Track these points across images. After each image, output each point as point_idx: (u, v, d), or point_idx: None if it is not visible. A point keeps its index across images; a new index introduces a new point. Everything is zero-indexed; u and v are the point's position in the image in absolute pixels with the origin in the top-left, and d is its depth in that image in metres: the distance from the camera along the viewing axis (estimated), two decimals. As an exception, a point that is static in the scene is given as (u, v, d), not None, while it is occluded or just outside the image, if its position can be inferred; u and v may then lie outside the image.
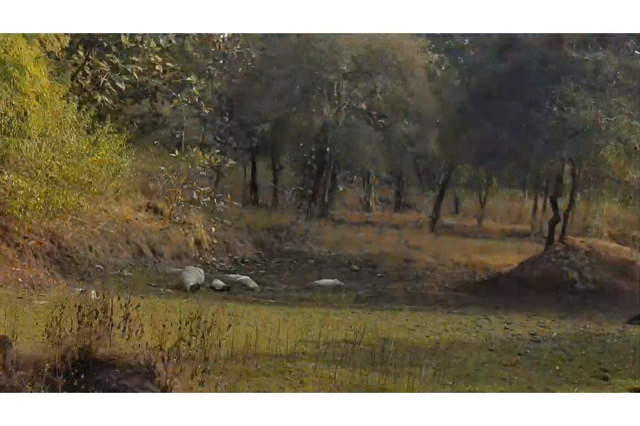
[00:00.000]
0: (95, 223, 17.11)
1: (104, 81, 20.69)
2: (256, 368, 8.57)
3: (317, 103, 23.30)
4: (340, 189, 33.02)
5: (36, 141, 14.95)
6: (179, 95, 20.86)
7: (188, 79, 20.50)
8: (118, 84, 19.10)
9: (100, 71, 20.29)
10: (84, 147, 16.07)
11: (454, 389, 8.40)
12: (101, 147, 16.54)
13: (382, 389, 8.28)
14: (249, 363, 8.68)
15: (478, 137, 19.04)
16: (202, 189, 20.15)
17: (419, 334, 11.97)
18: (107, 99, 21.82)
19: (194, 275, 16.37)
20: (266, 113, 24.93)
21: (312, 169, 28.86)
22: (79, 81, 19.68)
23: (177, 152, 20.39)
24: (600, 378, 9.74)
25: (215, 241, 21.23)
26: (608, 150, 16.75)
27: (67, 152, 15.58)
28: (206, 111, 23.32)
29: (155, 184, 20.42)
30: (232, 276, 18.16)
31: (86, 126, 17.41)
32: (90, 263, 15.67)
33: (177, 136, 27.18)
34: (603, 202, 19.74)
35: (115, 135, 17.83)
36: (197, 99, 22.91)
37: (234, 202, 21.15)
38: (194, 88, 20.47)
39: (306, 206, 28.12)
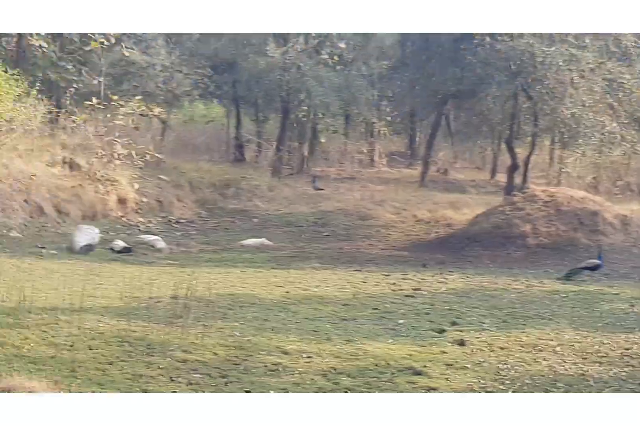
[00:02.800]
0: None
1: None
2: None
3: (262, 42, 23.59)
4: (323, 140, 33.43)
5: None
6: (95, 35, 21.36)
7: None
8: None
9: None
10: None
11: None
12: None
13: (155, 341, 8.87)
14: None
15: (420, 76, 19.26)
16: (120, 141, 20.70)
17: (278, 290, 12.46)
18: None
19: (86, 235, 16.97)
20: (214, 56, 25.34)
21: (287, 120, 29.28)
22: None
23: (94, 100, 20.94)
24: (436, 331, 10.14)
25: (145, 199, 21.88)
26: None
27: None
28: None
29: (70, 137, 21.09)
30: (142, 236, 18.82)
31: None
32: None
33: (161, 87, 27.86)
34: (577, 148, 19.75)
35: (11, 82, 18.60)
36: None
37: (158, 155, 21.68)
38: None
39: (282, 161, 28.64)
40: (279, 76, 23.79)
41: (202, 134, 37.62)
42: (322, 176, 30.16)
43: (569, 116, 16.75)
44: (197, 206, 23.30)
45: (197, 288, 10.99)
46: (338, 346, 9.17)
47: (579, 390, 7.85)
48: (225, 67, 28.74)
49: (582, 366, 8.70)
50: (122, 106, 21.48)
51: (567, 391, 7.75)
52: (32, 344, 8.42)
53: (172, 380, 7.74)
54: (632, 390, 7.94)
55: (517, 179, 21.97)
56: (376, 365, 8.51)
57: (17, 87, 19.07)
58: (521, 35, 16.89)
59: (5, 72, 19.04)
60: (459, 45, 17.85)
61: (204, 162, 27.63)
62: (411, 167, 34.61)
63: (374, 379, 8.06)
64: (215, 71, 28.32)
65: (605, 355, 9.19)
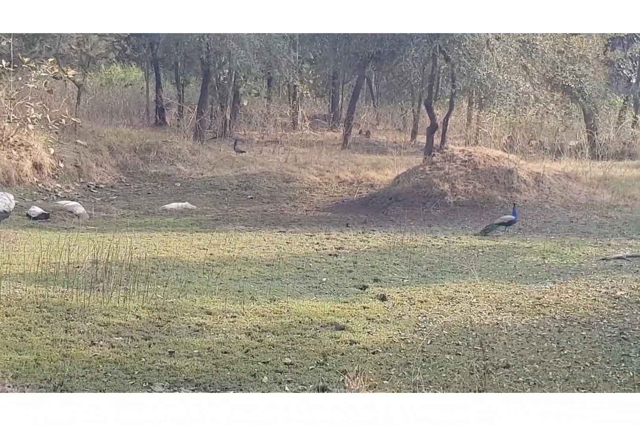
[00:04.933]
0: None
1: None
2: None
3: (179, 1, 23.14)
4: (245, 104, 33.24)
5: None
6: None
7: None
8: None
9: None
10: None
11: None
12: None
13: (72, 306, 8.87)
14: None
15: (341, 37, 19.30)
16: (33, 104, 20.21)
17: (202, 253, 12.51)
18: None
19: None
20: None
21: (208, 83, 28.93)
22: None
23: (3, 62, 20.32)
24: (359, 288, 10.37)
25: (61, 164, 21.51)
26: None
27: None
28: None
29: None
30: (60, 202, 18.56)
31: None
32: None
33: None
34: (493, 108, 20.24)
35: None
36: None
37: (74, 119, 21.35)
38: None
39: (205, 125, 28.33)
40: (198, 37, 23.42)
41: (121, 97, 37.01)
42: (245, 139, 30.08)
43: (484, 76, 17.07)
44: (117, 171, 22.97)
45: (118, 253, 10.95)
46: (262, 305, 9.32)
47: (493, 339, 8.17)
48: (142, 28, 28.16)
49: (497, 315, 9.05)
50: (34, 68, 20.88)
51: (481, 339, 8.04)
52: (-57, 312, 8.29)
53: (94, 344, 7.78)
54: (542, 337, 8.30)
55: (437, 140, 22.32)
56: (300, 322, 8.69)
57: None
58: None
59: None
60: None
61: (123, 126, 27.22)
62: (334, 129, 34.80)
63: (298, 335, 8.24)
64: (132, 33, 27.74)
65: (518, 304, 9.56)
